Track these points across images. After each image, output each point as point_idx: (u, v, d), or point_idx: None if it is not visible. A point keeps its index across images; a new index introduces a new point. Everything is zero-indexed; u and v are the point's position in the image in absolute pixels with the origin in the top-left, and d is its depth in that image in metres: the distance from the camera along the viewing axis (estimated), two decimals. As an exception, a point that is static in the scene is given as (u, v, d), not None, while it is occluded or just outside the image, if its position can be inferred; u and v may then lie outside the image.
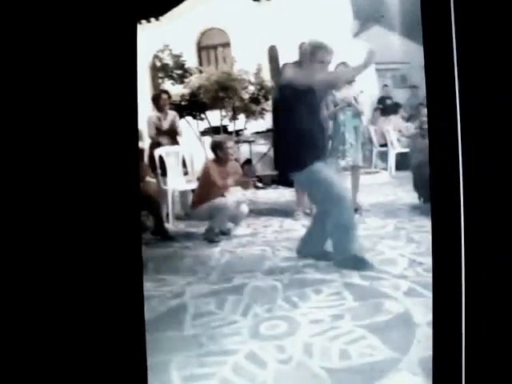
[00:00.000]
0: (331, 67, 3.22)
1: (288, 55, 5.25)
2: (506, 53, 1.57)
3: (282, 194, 3.72)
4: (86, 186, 1.72)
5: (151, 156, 3.79)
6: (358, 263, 2.73)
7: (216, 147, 3.42)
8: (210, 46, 5.28)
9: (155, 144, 3.89)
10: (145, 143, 3.93)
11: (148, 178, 3.44)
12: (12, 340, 1.69)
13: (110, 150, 1.73)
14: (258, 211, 3.39)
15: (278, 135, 3.14)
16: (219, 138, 3.70)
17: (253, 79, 4.88)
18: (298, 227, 3.31)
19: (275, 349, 2.00)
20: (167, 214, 3.54)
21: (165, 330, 2.24)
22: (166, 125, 4.05)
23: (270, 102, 4.62)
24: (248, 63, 5.01)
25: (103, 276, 1.73)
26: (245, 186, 3.45)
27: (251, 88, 4.77)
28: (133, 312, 1.76)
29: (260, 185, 3.88)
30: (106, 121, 1.72)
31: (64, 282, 1.69)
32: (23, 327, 1.69)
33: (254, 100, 4.70)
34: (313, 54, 2.94)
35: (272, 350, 2.00)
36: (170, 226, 3.35)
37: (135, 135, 1.82)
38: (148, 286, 2.60)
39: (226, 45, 5.31)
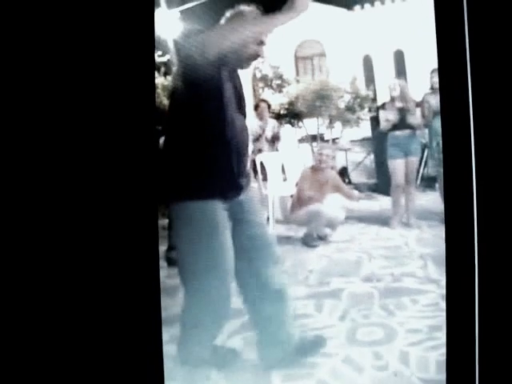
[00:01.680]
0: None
1: (382, 64, 5.07)
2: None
3: (378, 202, 3.62)
4: (104, 184, 1.69)
5: (253, 162, 3.82)
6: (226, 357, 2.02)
7: (313, 155, 3.40)
8: (306, 57, 5.22)
9: (257, 151, 3.92)
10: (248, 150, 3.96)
11: (252, 183, 3.45)
12: (32, 334, 1.67)
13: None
14: (354, 218, 3.32)
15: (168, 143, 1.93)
16: (317, 146, 3.67)
17: (348, 88, 4.79)
18: (395, 236, 3.19)
19: (372, 355, 1.94)
20: (268, 218, 3.55)
21: (266, 329, 2.23)
22: (266, 132, 4.07)
23: (365, 111, 4.52)
24: (343, 73, 4.91)
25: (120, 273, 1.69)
26: (341, 194, 3.38)
27: (347, 97, 4.69)
28: (149, 307, 1.71)
29: (356, 192, 3.79)
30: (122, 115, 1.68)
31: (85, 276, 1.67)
32: (50, 320, 1.67)
33: (350, 109, 4.62)
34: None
35: (369, 356, 1.95)
36: (271, 229, 3.35)
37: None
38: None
39: (322, 55, 5.23)
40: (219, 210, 1.84)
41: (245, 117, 2.00)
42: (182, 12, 3.91)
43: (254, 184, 3.47)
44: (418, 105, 3.70)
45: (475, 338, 1.56)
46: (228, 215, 1.87)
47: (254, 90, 5.34)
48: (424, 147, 3.67)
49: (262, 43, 1.95)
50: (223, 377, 1.95)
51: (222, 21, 2.00)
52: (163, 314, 1.69)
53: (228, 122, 1.85)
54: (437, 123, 3.59)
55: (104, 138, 1.69)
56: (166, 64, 4.19)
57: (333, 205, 3.32)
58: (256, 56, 1.97)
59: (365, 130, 4.42)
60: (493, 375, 1.53)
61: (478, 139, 1.54)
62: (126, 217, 1.70)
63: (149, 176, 1.71)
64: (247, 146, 2.01)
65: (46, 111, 1.67)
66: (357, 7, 5.35)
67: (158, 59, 4.10)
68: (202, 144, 1.83)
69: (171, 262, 2.44)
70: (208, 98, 1.82)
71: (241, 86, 2.01)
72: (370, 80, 4.83)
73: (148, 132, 1.72)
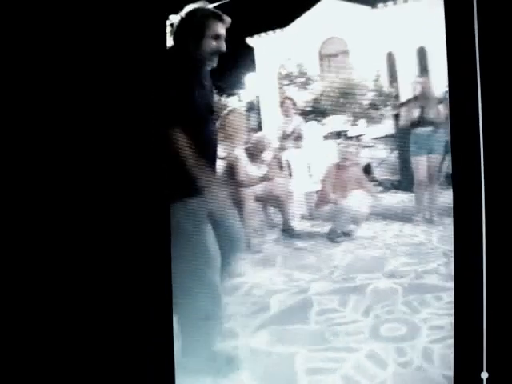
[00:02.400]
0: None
1: (405, 61, 5.00)
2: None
3: (401, 199, 3.56)
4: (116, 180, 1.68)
5: (279, 159, 3.80)
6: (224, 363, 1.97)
7: (337, 152, 3.36)
8: (330, 54, 5.17)
9: (282, 148, 3.89)
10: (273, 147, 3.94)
11: (278, 179, 3.43)
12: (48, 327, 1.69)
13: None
14: (378, 215, 3.28)
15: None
16: (340, 143, 3.62)
17: (371, 86, 4.72)
18: (418, 233, 3.15)
19: (395, 351, 1.92)
20: (293, 214, 3.53)
21: (291, 322, 2.24)
22: (291, 129, 4.04)
23: (388, 108, 4.44)
24: (367, 70, 4.85)
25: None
26: (365, 191, 3.34)
27: (370, 94, 4.62)
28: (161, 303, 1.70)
29: (380, 189, 3.74)
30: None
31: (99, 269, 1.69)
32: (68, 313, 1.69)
33: (373, 106, 4.55)
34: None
35: (392, 352, 1.93)
36: (296, 224, 3.33)
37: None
38: (276, 279, 2.62)
39: (346, 52, 5.17)
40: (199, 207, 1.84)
41: (213, 119, 1.99)
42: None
43: (280, 179, 3.45)
44: (441, 102, 3.63)
45: (483, 334, 1.53)
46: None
47: (280, 88, 5.31)
48: (447, 144, 3.60)
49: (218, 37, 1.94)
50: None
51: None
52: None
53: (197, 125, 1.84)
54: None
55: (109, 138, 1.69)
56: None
57: (357, 201, 3.29)
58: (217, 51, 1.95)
59: (388, 127, 4.35)
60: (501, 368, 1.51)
61: (486, 140, 1.51)
62: (139, 215, 1.70)
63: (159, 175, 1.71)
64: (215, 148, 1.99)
65: (55, 110, 1.69)
66: (380, 4, 5.26)
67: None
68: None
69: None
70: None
71: (211, 87, 1.98)
72: (393, 77, 4.74)
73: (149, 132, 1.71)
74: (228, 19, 1.98)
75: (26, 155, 1.69)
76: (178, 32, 1.93)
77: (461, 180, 1.56)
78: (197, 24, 1.92)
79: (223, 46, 1.96)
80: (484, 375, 1.53)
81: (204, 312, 1.89)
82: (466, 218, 1.55)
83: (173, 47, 1.92)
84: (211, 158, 1.94)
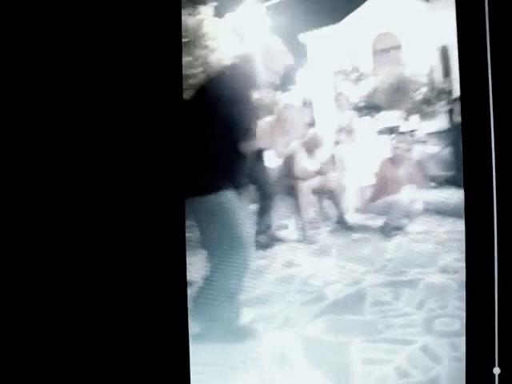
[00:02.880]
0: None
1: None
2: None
3: (454, 195, 3.50)
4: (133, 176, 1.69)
5: (333, 153, 3.80)
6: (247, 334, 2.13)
7: (390, 147, 3.33)
8: (383, 50, 5.10)
9: (336, 142, 3.89)
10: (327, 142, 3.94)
11: (332, 173, 3.44)
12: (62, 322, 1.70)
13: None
14: (431, 210, 3.24)
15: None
16: (393, 138, 3.59)
17: (425, 80, 4.62)
18: (471, 229, 3.09)
19: (449, 345, 1.92)
20: (347, 207, 3.54)
21: (345, 313, 2.26)
22: (345, 124, 4.03)
23: (442, 103, 4.35)
24: (420, 65, 4.75)
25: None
26: (417, 186, 3.30)
27: (423, 89, 4.53)
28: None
29: (433, 184, 3.69)
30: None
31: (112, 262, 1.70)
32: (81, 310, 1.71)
33: (426, 101, 4.46)
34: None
35: (446, 347, 1.93)
36: (350, 217, 3.33)
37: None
38: (331, 270, 2.64)
39: (398, 47, 5.08)
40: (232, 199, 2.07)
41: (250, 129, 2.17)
42: (268, 7, 3.91)
43: (334, 173, 3.46)
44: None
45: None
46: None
47: (333, 83, 5.28)
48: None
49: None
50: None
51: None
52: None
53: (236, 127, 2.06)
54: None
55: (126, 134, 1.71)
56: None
57: (410, 196, 3.26)
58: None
59: (441, 122, 4.26)
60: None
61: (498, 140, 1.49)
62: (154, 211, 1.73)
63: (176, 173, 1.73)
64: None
65: (71, 105, 1.70)
66: (434, -4, 5.13)
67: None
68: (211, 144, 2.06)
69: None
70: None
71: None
72: (446, 72, 4.63)
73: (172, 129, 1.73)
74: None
75: (36, 148, 1.70)
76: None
77: (472, 180, 1.56)
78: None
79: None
80: (496, 371, 1.53)
81: (233, 289, 2.08)
82: (477, 216, 1.55)
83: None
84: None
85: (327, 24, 5.46)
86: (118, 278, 1.72)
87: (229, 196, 2.05)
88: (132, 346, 1.71)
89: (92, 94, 1.70)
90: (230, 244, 2.04)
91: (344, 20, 5.30)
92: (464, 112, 1.58)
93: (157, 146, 1.71)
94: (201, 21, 3.79)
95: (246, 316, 2.17)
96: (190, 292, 2.15)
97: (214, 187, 2.05)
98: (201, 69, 3.71)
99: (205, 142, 2.07)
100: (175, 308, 1.73)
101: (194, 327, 1.96)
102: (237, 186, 2.17)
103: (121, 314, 1.73)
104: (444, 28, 4.93)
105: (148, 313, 1.72)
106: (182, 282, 1.74)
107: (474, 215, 1.56)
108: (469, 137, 1.58)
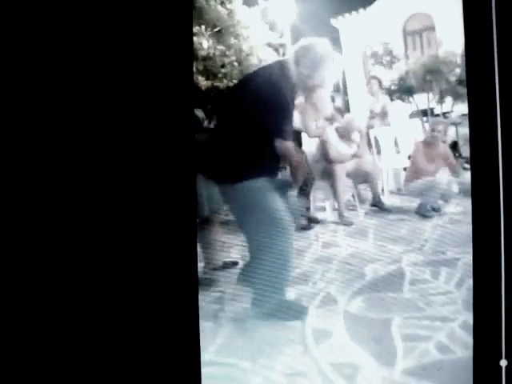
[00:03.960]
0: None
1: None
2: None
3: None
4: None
5: (368, 137, 3.80)
6: (296, 311, 2.15)
7: (424, 129, 3.31)
8: (415, 31, 5.00)
9: (370, 126, 3.88)
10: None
11: (367, 156, 3.44)
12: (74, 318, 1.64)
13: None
14: (466, 191, 3.21)
15: (219, 132, 2.22)
16: (427, 120, 3.56)
17: (459, 61, 4.52)
18: (507, 209, 3.06)
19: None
20: (383, 189, 3.54)
21: (386, 290, 2.29)
22: (378, 108, 4.01)
23: (475, 84, 4.25)
24: (453, 46, 4.64)
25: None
26: (452, 168, 3.28)
27: (458, 70, 4.44)
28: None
29: (467, 166, 3.65)
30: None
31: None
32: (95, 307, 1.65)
33: (461, 82, 4.38)
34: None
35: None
36: (386, 199, 3.35)
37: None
38: (369, 250, 2.66)
39: (431, 28, 4.97)
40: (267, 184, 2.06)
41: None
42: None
43: (369, 156, 3.46)
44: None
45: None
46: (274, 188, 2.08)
47: (365, 68, 5.23)
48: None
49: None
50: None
51: None
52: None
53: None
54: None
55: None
56: (283, 45, 4.23)
57: (445, 178, 3.25)
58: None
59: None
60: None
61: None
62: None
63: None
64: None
65: (89, 107, 1.65)
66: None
67: (276, 41, 4.14)
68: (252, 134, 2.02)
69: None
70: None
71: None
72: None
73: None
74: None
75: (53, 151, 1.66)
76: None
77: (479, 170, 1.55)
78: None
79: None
80: (503, 363, 1.54)
81: (279, 267, 2.07)
82: (484, 202, 1.54)
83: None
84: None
85: (358, 8, 5.38)
86: (126, 275, 1.67)
87: (265, 181, 2.10)
88: (141, 342, 1.67)
89: (116, 88, 1.65)
90: (270, 227, 2.08)
91: (375, 2, 5.21)
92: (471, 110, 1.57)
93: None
94: (232, 10, 3.80)
95: (290, 294, 2.21)
96: (232, 273, 2.25)
97: (250, 173, 2.07)
98: (234, 58, 3.73)
99: (241, 128, 2.07)
100: (186, 305, 1.73)
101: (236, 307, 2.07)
102: (274, 170, 2.18)
103: (128, 311, 1.68)
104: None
105: (157, 311, 1.67)
106: (193, 280, 1.73)
107: (481, 204, 1.56)
108: (476, 127, 1.58)
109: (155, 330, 1.66)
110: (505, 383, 1.56)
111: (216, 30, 3.73)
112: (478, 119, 1.58)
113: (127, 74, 1.64)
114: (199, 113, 2.76)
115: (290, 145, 2.11)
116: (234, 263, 2.48)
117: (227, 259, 2.49)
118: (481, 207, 1.58)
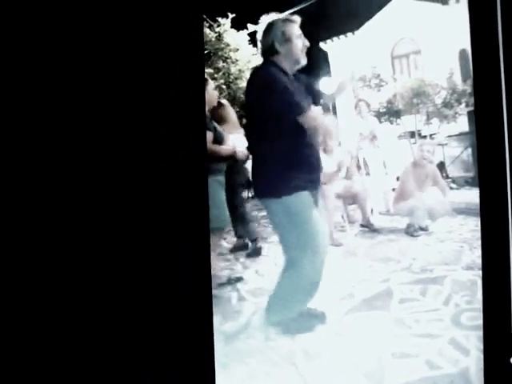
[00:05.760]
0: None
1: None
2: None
3: (475, 195, 3.53)
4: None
5: (357, 159, 3.87)
6: (313, 319, 2.22)
7: (412, 151, 3.39)
8: (402, 55, 5.14)
9: (359, 148, 3.96)
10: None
11: (356, 177, 3.51)
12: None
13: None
14: (453, 210, 3.27)
15: (257, 148, 2.23)
16: (415, 142, 3.64)
17: (445, 84, 4.64)
18: (494, 228, 3.11)
19: (476, 338, 1.96)
20: (372, 210, 3.60)
21: (375, 309, 2.32)
22: (366, 130, 4.09)
23: (462, 106, 4.37)
24: (439, 68, 4.76)
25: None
26: (440, 187, 3.35)
27: (443, 93, 4.55)
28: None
29: (454, 186, 3.73)
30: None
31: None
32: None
33: (447, 104, 4.49)
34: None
35: (473, 340, 1.97)
36: (375, 220, 3.40)
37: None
38: (359, 270, 2.70)
39: (417, 52, 5.12)
40: (308, 198, 2.14)
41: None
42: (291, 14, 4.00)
43: (358, 178, 3.53)
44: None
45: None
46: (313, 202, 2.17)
47: (354, 90, 5.33)
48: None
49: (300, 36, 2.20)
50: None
51: None
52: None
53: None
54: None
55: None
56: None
57: (433, 198, 3.31)
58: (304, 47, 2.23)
59: (462, 124, 4.28)
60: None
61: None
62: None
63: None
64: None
65: (102, 110, 1.70)
66: (451, 0, 5.14)
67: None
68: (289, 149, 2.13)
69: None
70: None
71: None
72: (466, 74, 4.64)
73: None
74: (297, 18, 2.23)
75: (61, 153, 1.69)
76: (264, 45, 2.25)
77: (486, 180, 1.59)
78: (281, 32, 2.19)
79: (307, 41, 2.22)
80: None
81: (310, 277, 2.15)
82: (492, 213, 1.58)
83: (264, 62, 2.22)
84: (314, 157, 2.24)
85: (346, 32, 5.52)
86: (137, 273, 1.71)
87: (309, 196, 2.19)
88: (154, 347, 1.71)
89: (136, 92, 1.70)
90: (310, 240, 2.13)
91: (363, 27, 5.35)
92: (478, 115, 1.63)
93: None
94: (220, 33, 3.88)
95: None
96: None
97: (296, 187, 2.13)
98: (222, 81, 3.81)
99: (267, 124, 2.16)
100: (200, 306, 1.75)
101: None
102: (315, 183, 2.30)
103: (143, 316, 1.72)
104: (463, 31, 4.95)
105: (170, 314, 1.72)
106: (206, 281, 1.74)
107: (489, 212, 1.61)
108: (483, 138, 1.63)
109: (167, 334, 1.71)
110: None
111: (205, 53, 3.82)
112: (485, 131, 1.64)
113: (143, 79, 1.71)
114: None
115: (312, 111, 2.17)
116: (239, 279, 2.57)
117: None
118: (489, 216, 1.63)
